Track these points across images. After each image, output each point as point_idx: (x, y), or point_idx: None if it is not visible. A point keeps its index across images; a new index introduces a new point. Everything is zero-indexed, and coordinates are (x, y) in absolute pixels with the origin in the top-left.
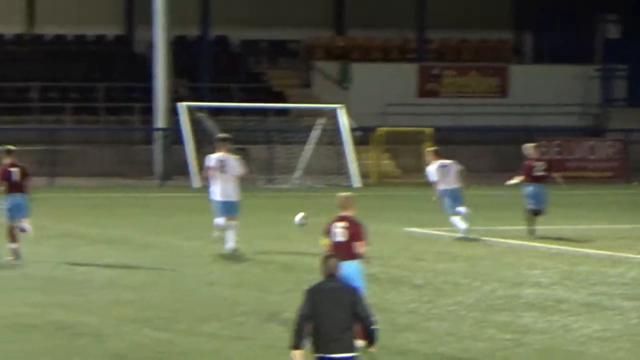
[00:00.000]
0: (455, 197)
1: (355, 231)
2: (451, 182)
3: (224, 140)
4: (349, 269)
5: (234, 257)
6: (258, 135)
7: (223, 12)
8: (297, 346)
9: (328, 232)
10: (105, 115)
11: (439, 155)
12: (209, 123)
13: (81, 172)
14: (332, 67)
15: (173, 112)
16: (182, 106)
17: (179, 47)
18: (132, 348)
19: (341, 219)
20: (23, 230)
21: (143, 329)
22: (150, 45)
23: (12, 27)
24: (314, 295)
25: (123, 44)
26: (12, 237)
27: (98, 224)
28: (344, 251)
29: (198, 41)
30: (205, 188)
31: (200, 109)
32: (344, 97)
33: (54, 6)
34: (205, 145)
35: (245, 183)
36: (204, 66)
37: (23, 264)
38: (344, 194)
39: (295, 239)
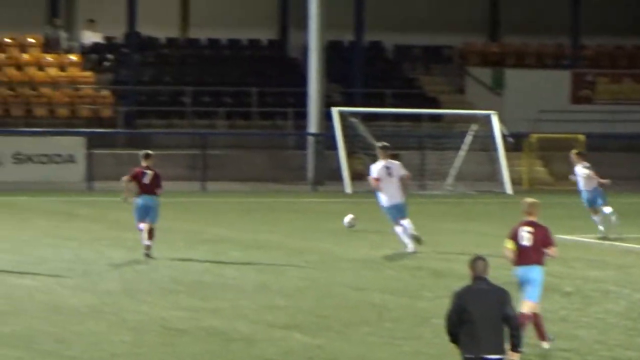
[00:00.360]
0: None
1: (542, 236)
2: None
3: (384, 148)
4: (533, 274)
5: (383, 262)
6: (411, 141)
7: (377, 18)
8: (454, 341)
9: (514, 237)
10: (258, 120)
11: (582, 157)
12: (362, 128)
13: (233, 177)
14: (485, 73)
15: (326, 117)
16: (335, 111)
17: (332, 52)
18: (282, 353)
19: (527, 223)
20: (141, 230)
21: (293, 334)
22: (304, 50)
23: (167, 31)
24: (463, 297)
25: (277, 48)
26: (149, 234)
27: (249, 228)
28: (529, 256)
29: (352, 46)
30: (357, 194)
31: (353, 114)
32: (497, 103)
33: (208, 11)
34: (357, 150)
35: None
36: (357, 71)
37: (153, 263)
38: (529, 199)
39: (447, 244)
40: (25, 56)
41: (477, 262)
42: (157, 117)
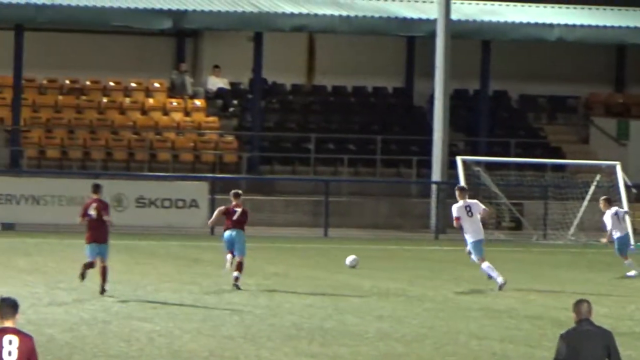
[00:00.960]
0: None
1: None
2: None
3: (463, 189)
4: None
5: (504, 311)
6: (534, 191)
7: (502, 67)
8: None
9: None
10: (381, 168)
11: (610, 203)
12: (485, 177)
13: (356, 224)
14: (610, 124)
15: (450, 166)
16: (459, 160)
17: (457, 100)
18: None
19: None
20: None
21: None
22: (429, 98)
23: (292, 78)
24: (569, 339)
25: (402, 96)
26: (238, 267)
27: (371, 275)
28: None
29: (477, 95)
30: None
31: (477, 163)
32: (621, 153)
33: (333, 58)
34: (480, 199)
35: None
36: (482, 120)
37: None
38: None
39: (568, 294)
40: (151, 101)
41: (581, 305)
42: (280, 163)
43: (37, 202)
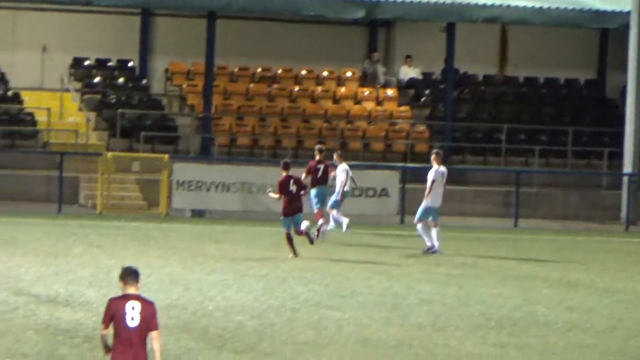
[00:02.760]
0: None
1: None
2: None
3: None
4: None
5: None
6: None
7: None
8: None
9: None
10: (573, 159)
11: None
12: None
13: (546, 215)
14: None
15: None
16: None
17: None
18: None
19: None
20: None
21: None
22: (622, 91)
23: (484, 69)
24: None
25: (594, 88)
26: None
27: (560, 266)
28: None
29: None
30: None
31: None
32: None
33: (526, 49)
34: None
35: None
36: None
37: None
38: None
39: None
40: (342, 89)
41: None
42: (471, 153)
43: (227, 189)
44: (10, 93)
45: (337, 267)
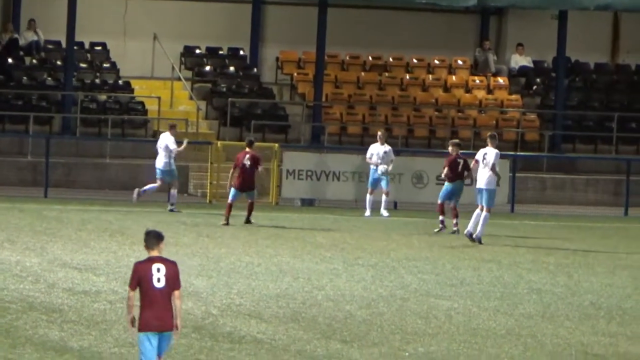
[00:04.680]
0: None
1: None
2: None
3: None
4: None
5: None
6: None
7: None
8: None
9: None
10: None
11: None
12: None
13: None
14: None
15: None
16: None
17: None
18: None
19: None
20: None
21: None
22: None
23: (596, 57)
24: None
25: None
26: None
27: None
28: None
29: None
30: None
31: None
32: None
33: (638, 38)
34: None
35: None
36: None
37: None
38: None
39: None
40: (453, 78)
41: None
42: (582, 141)
43: (338, 178)
44: (121, 82)
45: (447, 256)
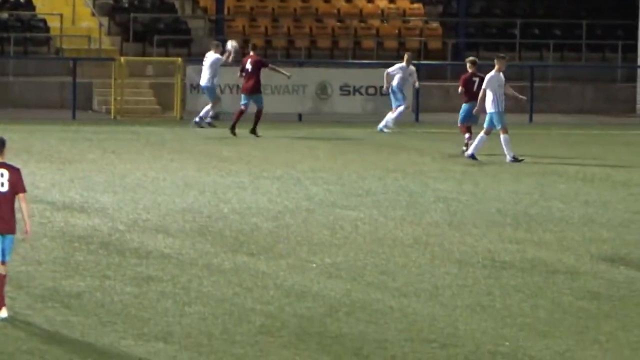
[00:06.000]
0: None
1: None
2: None
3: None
4: None
5: None
6: None
7: None
8: None
9: None
10: (587, 53)
11: None
12: None
13: (561, 109)
14: None
15: None
16: None
17: None
18: (605, 286)
19: None
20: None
21: (618, 267)
22: None
23: None
24: None
25: None
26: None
27: (576, 161)
28: None
29: None
30: None
31: None
32: None
33: None
34: None
35: None
36: None
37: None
38: None
39: None
40: None
41: None
42: (485, 49)
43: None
44: None
45: (352, 166)
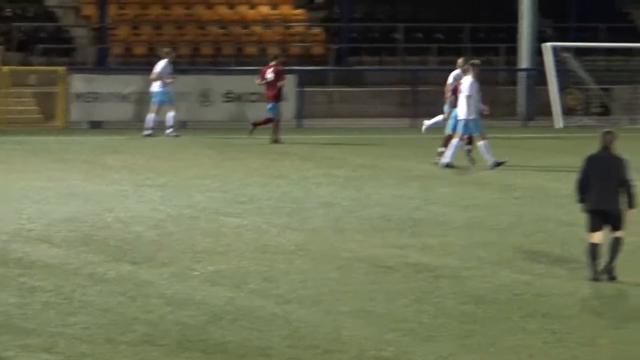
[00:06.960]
0: None
1: None
2: None
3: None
4: None
5: None
6: (622, 76)
7: None
8: (580, 201)
9: None
10: (469, 56)
11: None
12: (574, 63)
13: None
14: None
15: (538, 53)
16: (547, 46)
17: None
18: (490, 290)
19: None
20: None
21: (502, 270)
22: None
23: None
24: (590, 162)
25: None
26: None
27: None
28: None
29: None
30: (567, 128)
31: (565, 49)
32: None
33: None
34: (569, 85)
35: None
36: (570, 6)
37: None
38: None
39: None
40: None
41: (605, 135)
42: (368, 54)
43: (125, 99)
44: None
45: (235, 173)
